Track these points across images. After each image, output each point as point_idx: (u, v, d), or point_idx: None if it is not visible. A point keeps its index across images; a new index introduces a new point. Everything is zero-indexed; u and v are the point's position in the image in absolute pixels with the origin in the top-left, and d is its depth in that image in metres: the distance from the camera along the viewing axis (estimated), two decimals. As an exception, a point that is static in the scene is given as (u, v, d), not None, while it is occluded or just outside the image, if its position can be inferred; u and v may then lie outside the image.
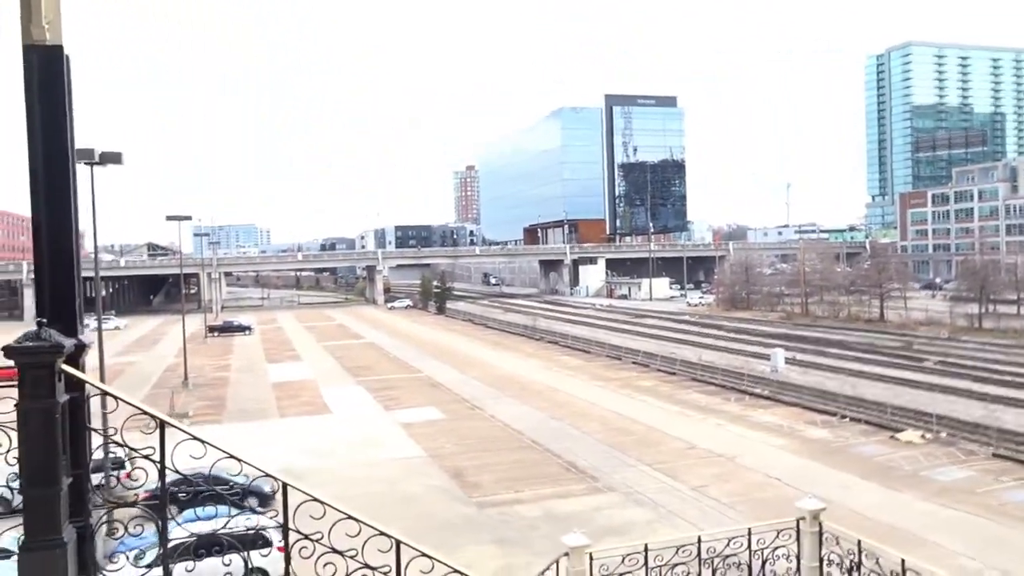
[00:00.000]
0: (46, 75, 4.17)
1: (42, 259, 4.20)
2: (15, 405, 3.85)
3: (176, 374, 58.12)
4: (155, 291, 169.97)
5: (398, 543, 4.46)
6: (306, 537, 4.32)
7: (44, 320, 4.02)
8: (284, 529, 4.28)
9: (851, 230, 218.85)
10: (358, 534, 4.39)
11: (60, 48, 4.17)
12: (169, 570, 4.12)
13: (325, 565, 4.41)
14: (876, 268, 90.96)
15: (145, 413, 4.14)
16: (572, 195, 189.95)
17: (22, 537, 3.89)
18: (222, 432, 41.05)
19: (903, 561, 7.90)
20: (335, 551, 4.36)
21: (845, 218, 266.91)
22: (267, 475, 4.51)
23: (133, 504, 4.17)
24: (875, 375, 50.86)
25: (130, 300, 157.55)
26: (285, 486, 4.31)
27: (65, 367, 3.96)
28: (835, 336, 73.64)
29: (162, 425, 4.19)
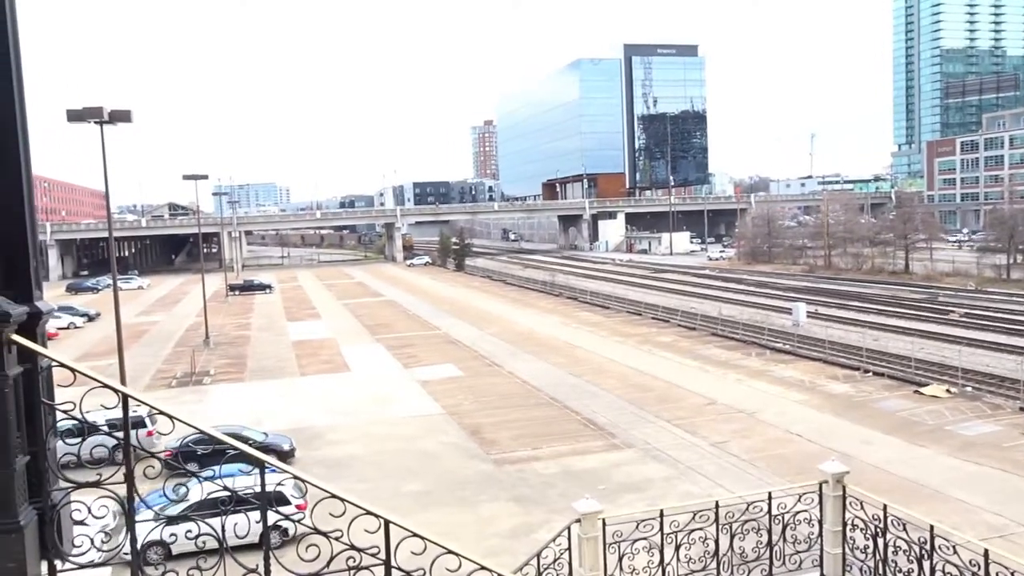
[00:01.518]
0: None
1: (-13, 217, 3.80)
2: (-40, 379, 3.51)
3: (198, 333, 58.49)
4: (177, 250, 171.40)
5: (387, 523, 4.12)
6: (286, 518, 3.98)
7: (-11, 286, 3.65)
8: (263, 511, 3.94)
9: (876, 180, 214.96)
10: (343, 513, 4.05)
11: None
12: (137, 551, 3.81)
13: (308, 548, 4.08)
14: (901, 219, 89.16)
15: (106, 387, 3.79)
16: (591, 149, 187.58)
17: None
18: (244, 390, 41.34)
19: (932, 528, 7.52)
20: (318, 531, 4.03)
21: (871, 168, 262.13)
22: (241, 453, 4.16)
23: (97, 484, 3.85)
24: (899, 328, 50.07)
25: (152, 259, 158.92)
26: (263, 466, 3.97)
27: (15, 337, 3.60)
28: (858, 289, 72.60)
29: (125, 399, 3.84)
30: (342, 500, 4.08)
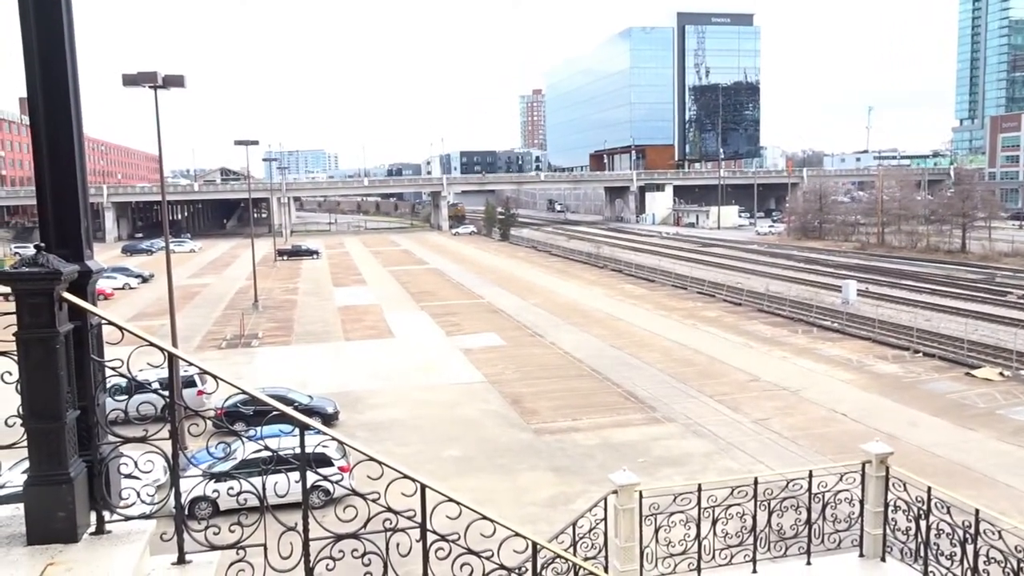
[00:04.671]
0: None
1: (43, 178, 3.91)
2: (14, 335, 3.63)
3: (247, 296, 59.69)
4: (228, 215, 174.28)
5: (423, 487, 4.17)
6: (324, 479, 4.05)
7: (42, 245, 3.76)
8: (302, 471, 4.03)
9: (935, 156, 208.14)
10: (381, 476, 4.12)
11: None
12: (181, 505, 3.93)
13: (346, 508, 4.16)
14: (960, 196, 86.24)
15: (153, 345, 3.89)
16: (640, 119, 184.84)
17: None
18: (290, 353, 42.13)
19: (977, 512, 7.35)
20: (355, 493, 4.10)
21: (930, 144, 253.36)
22: (283, 415, 4.24)
23: (143, 440, 3.97)
24: (952, 309, 48.75)
25: (204, 223, 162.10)
26: (303, 430, 4.05)
27: (66, 295, 3.71)
28: (912, 268, 70.77)
29: (170, 357, 3.94)
30: (379, 463, 4.14)
